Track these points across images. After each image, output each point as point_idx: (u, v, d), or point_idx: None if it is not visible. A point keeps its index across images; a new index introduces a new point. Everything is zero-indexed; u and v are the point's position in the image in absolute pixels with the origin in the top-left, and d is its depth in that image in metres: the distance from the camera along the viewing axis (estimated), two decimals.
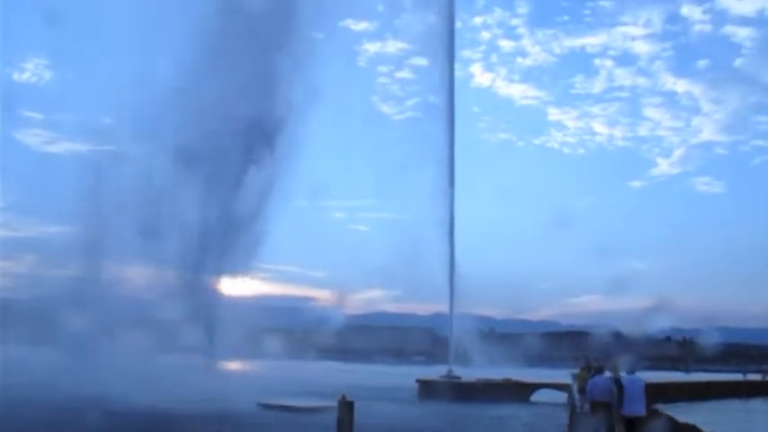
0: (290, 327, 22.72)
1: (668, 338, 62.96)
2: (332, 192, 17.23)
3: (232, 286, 18.33)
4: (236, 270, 17.66)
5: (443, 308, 17.74)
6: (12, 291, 18.65)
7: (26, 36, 23.07)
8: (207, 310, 16.87)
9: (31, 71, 23.99)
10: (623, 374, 6.95)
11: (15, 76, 24.52)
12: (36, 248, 19.08)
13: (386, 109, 18.69)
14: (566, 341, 42.13)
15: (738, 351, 49.89)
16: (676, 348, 57.95)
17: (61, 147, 22.61)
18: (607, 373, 7.35)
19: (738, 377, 26.02)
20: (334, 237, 16.93)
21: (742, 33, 35.14)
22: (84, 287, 16.56)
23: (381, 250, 18.03)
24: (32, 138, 25.69)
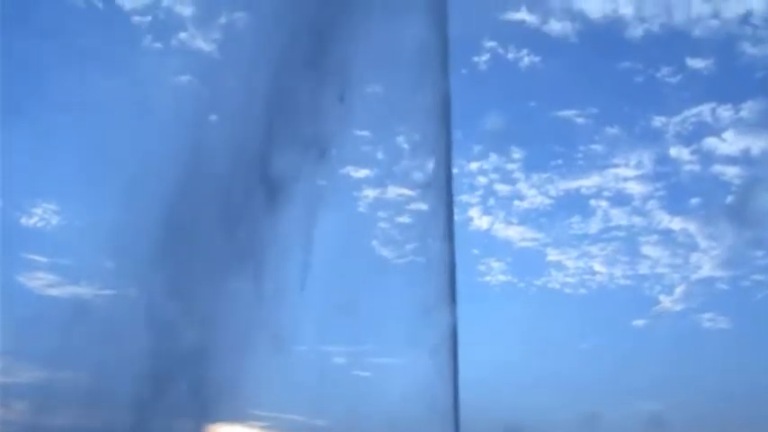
0: None
1: None
2: (332, 337, 17.04)
3: None
4: (233, 418, 17.25)
5: None
6: None
7: (37, 182, 23.81)
8: None
9: (39, 216, 24.68)
10: None
11: (23, 220, 25.15)
12: (29, 395, 18.69)
13: (386, 253, 18.83)
14: None
15: None
16: None
17: (63, 290, 22.69)
18: None
19: None
20: (336, 383, 16.53)
21: (730, 172, 36.73)
22: None
23: (385, 397, 17.61)
24: (35, 281, 25.90)
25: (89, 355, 16.74)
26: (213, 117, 18.68)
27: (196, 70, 20.29)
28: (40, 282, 25.79)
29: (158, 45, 23.84)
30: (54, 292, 23.37)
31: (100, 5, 25.10)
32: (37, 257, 24.56)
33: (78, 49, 22.24)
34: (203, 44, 22.34)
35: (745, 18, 27.17)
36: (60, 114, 22.62)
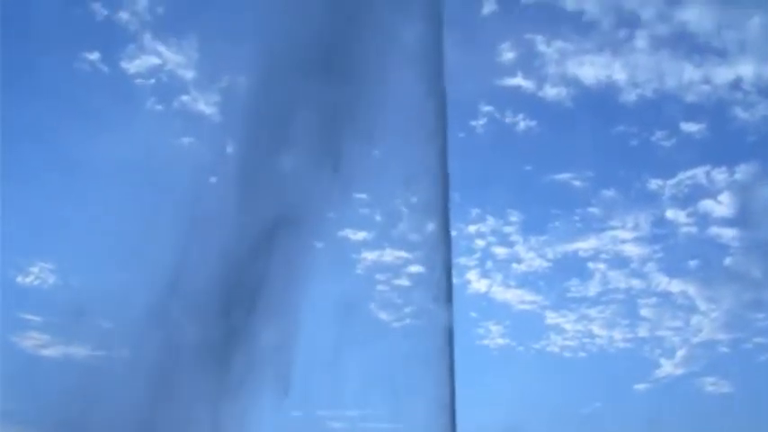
0: None
1: None
2: (328, 401, 16.78)
3: None
4: None
5: None
6: None
7: (34, 241, 23.79)
8: None
9: (36, 274, 24.53)
10: None
11: (19, 279, 24.98)
12: None
13: (384, 316, 18.70)
14: None
15: None
16: None
17: (56, 351, 22.43)
18: None
19: None
20: None
21: (727, 234, 36.30)
22: None
23: None
24: (28, 341, 25.72)
25: (83, 417, 16.52)
26: (213, 179, 18.85)
27: (197, 132, 20.61)
28: (33, 341, 25.48)
29: (160, 107, 24.30)
30: (46, 352, 23.11)
31: (104, 68, 25.66)
32: (31, 317, 24.35)
33: (82, 110, 22.59)
34: (204, 107, 22.77)
35: (736, 84, 27.80)
36: (61, 174, 22.83)
